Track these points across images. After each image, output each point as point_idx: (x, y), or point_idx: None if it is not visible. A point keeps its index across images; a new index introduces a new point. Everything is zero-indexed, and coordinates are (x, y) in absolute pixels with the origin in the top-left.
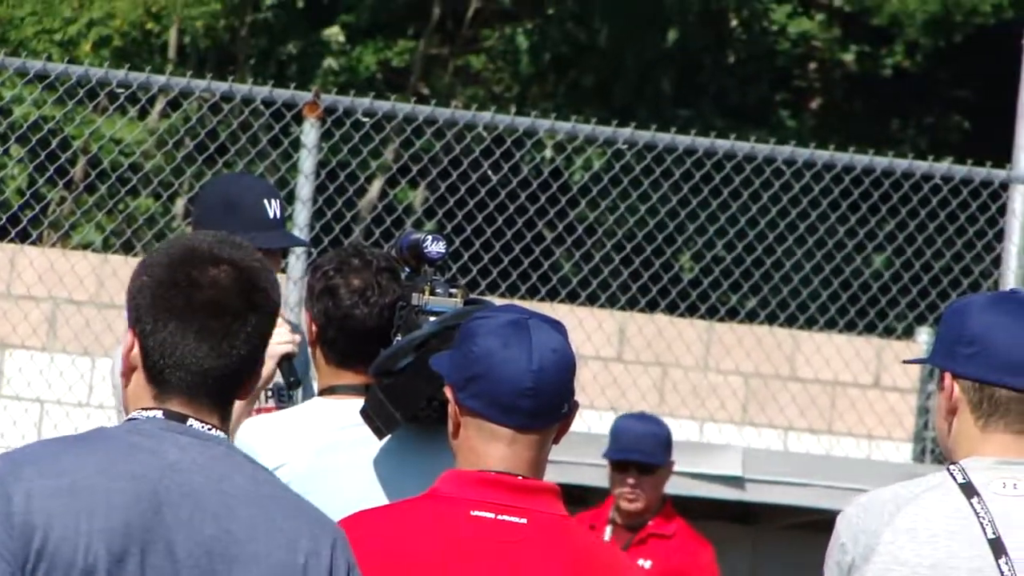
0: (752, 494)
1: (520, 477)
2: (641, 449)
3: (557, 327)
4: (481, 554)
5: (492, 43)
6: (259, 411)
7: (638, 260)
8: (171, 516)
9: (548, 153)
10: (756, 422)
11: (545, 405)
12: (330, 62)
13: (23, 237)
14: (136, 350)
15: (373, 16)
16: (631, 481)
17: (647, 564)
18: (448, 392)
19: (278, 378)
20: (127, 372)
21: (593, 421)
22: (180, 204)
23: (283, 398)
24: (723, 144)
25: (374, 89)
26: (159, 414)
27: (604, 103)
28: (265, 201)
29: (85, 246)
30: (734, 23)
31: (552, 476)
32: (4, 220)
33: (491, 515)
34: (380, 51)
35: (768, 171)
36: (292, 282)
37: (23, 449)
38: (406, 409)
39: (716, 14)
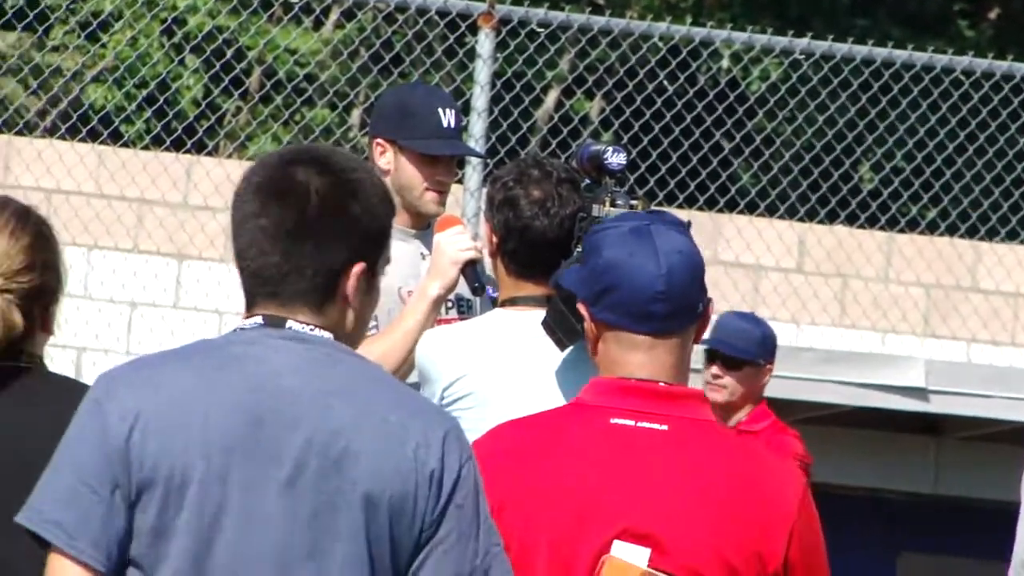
0: (935, 405)
1: (661, 384)
2: (730, 342)
3: (680, 228)
4: (621, 461)
5: None
6: (440, 322)
7: (817, 171)
8: (274, 422)
9: (725, 63)
10: (938, 334)
11: (678, 307)
12: None
13: (199, 148)
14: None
15: None
16: (714, 371)
17: None
18: (581, 308)
19: (462, 286)
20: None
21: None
22: (356, 115)
23: (463, 309)
24: (901, 54)
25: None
26: (259, 320)
27: (780, 13)
28: (440, 110)
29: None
30: None
31: None
32: (180, 131)
33: (631, 422)
34: None
35: (947, 81)
36: (468, 193)
37: (120, 367)
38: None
39: None
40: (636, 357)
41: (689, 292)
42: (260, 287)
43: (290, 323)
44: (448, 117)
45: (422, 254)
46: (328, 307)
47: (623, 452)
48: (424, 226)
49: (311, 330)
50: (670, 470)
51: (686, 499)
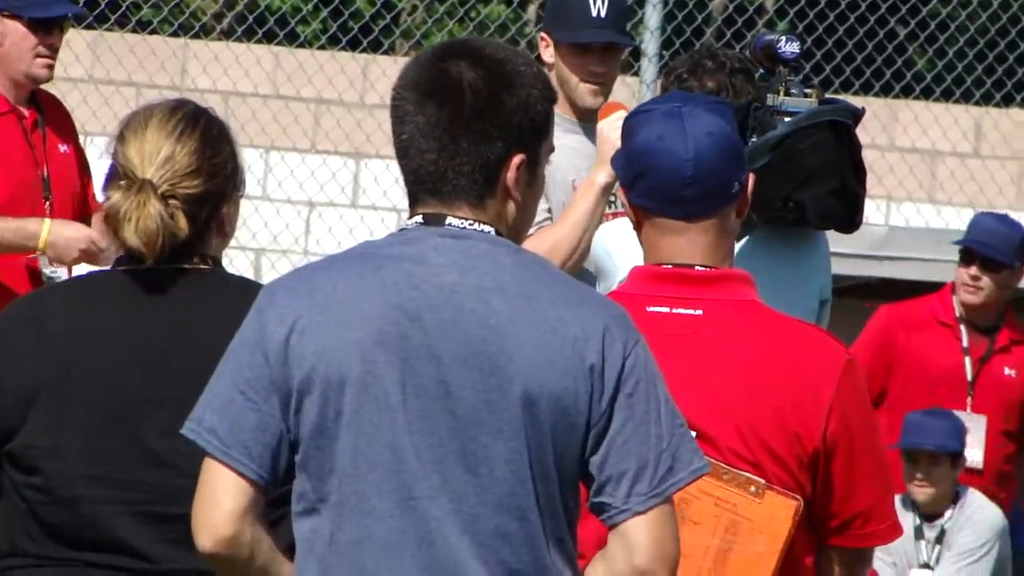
0: None
1: (697, 267)
2: (991, 244)
3: (716, 108)
4: (658, 349)
5: None
6: (608, 216)
7: (992, 54)
8: (431, 320)
9: None
10: None
11: (710, 190)
12: None
13: (375, 47)
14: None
15: None
16: (972, 272)
17: (1013, 373)
18: (620, 194)
19: None
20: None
21: (951, 217)
22: (531, 10)
23: None
24: None
25: None
26: (419, 219)
27: None
28: (591, 0)
29: None
30: None
31: (909, 272)
32: (356, 30)
33: (666, 309)
34: None
35: None
36: (645, 85)
37: (281, 277)
38: (762, 210)
39: None
40: (671, 241)
41: (721, 174)
42: (420, 185)
43: (450, 220)
44: (598, 6)
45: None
46: (489, 201)
47: (660, 340)
48: (593, 118)
49: (471, 225)
50: (706, 356)
51: (723, 384)
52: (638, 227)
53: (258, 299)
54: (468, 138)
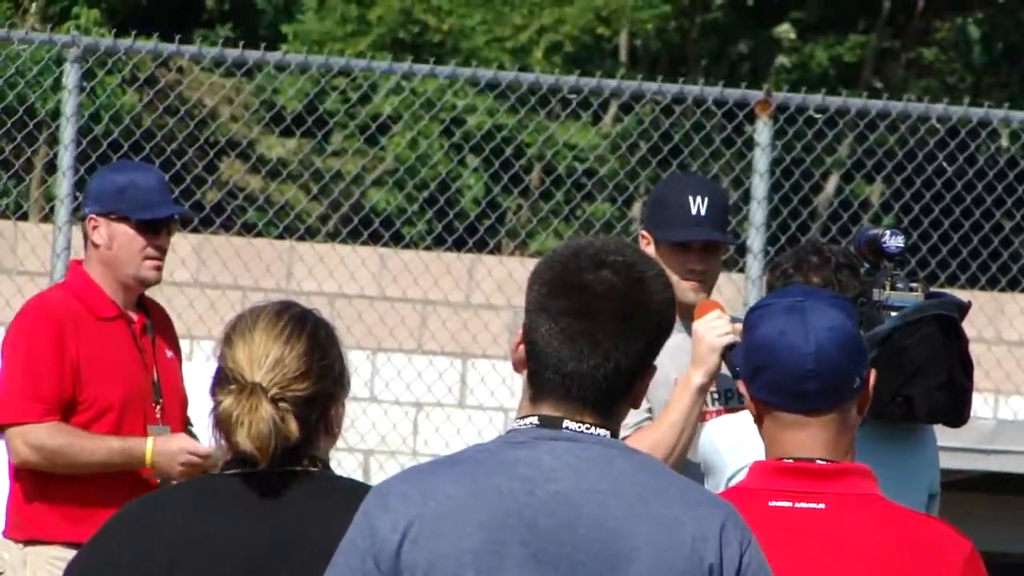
0: None
1: (819, 461)
2: None
3: (837, 303)
4: (780, 545)
5: (943, 34)
6: (707, 415)
7: None
8: (547, 525)
9: (1004, 142)
10: None
11: (831, 384)
12: (781, 59)
13: (481, 246)
14: (522, 348)
15: (823, 11)
16: None
17: None
18: (741, 386)
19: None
20: (518, 367)
21: None
22: (637, 208)
23: (731, 399)
24: None
25: (826, 85)
26: (535, 420)
27: None
28: (690, 197)
29: (542, 253)
30: None
31: (1018, 466)
32: (462, 230)
33: (789, 504)
34: (831, 47)
35: None
36: (750, 281)
37: (392, 478)
38: (871, 405)
39: None
40: (792, 436)
41: (842, 368)
42: (548, 388)
43: (567, 423)
44: (698, 204)
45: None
46: (615, 408)
47: (782, 535)
48: (691, 315)
49: (587, 429)
50: (829, 550)
51: None
52: (759, 420)
53: (368, 501)
54: (610, 346)
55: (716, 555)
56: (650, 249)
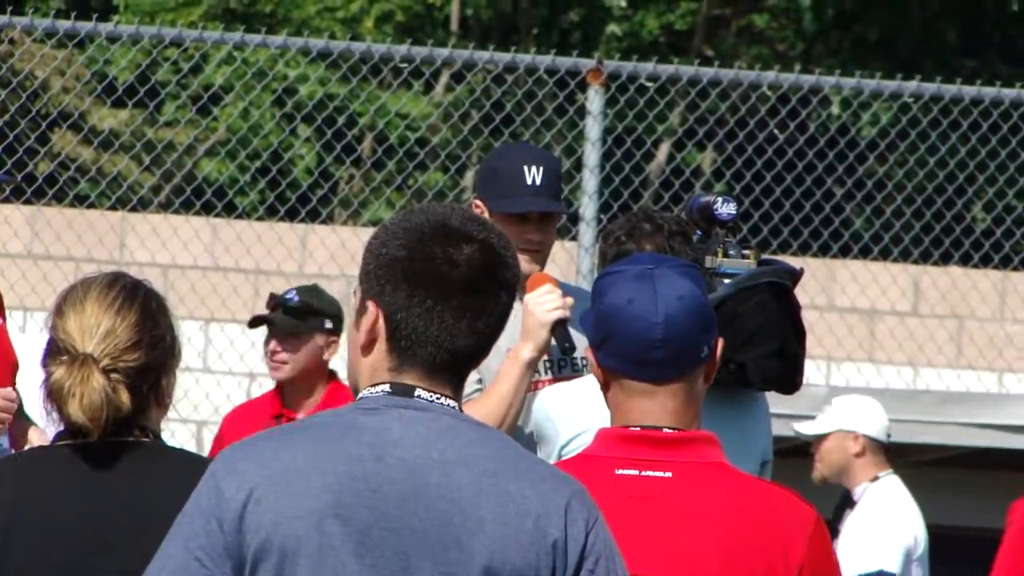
0: None
1: (665, 429)
2: None
3: (686, 271)
4: (627, 512)
5: (774, 1)
6: (538, 383)
7: (929, 213)
8: (392, 492)
9: (835, 110)
10: None
11: (679, 354)
12: (612, 28)
13: (313, 216)
14: (381, 323)
15: None
16: None
17: None
18: (588, 354)
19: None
20: (368, 346)
21: (891, 377)
22: (469, 177)
23: (560, 369)
24: (1009, 93)
25: (657, 53)
26: (387, 388)
27: (888, 57)
28: (526, 167)
29: (375, 223)
30: None
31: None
32: (294, 200)
33: (635, 472)
34: (662, 14)
35: None
36: (583, 249)
37: (239, 442)
38: None
39: None
40: (639, 403)
41: (690, 337)
42: (405, 356)
43: (419, 392)
44: (534, 174)
45: None
46: (467, 376)
47: (629, 503)
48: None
49: (438, 399)
50: (676, 518)
51: (692, 546)
52: (605, 388)
53: (214, 464)
54: (474, 319)
55: (561, 531)
56: (499, 227)
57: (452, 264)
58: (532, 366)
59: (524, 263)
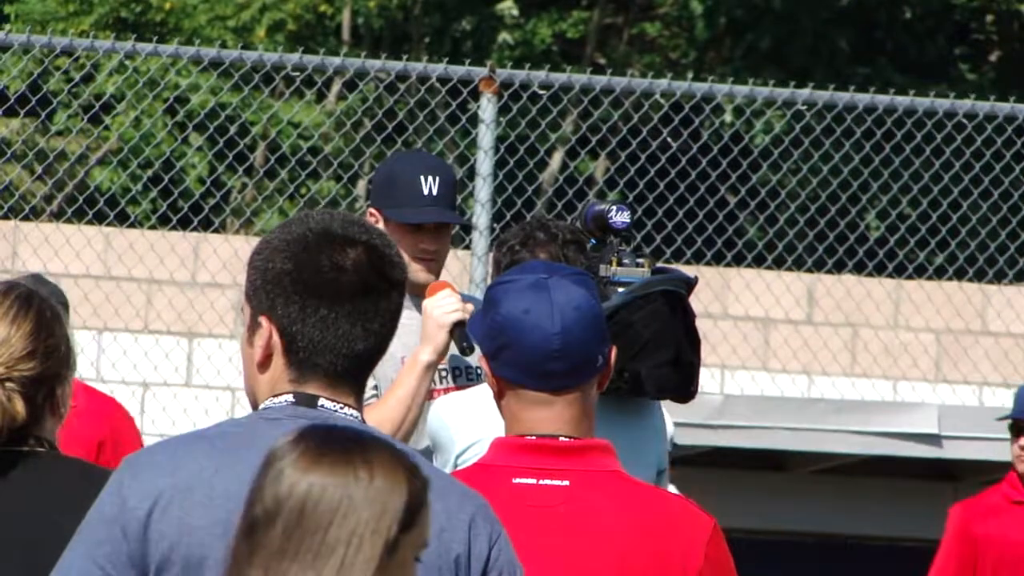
0: (949, 451)
1: (562, 438)
2: None
3: (581, 280)
4: (525, 521)
5: (666, 9)
6: (437, 392)
7: (823, 221)
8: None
9: (728, 118)
10: (950, 379)
11: (576, 363)
12: (504, 36)
13: (206, 225)
14: (276, 337)
15: None
16: (1022, 442)
17: None
18: (482, 362)
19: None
20: (264, 362)
21: (786, 385)
22: (361, 186)
23: (460, 376)
24: (903, 101)
25: (550, 61)
26: (290, 398)
27: (781, 65)
28: (422, 177)
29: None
30: None
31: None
32: (186, 209)
33: (533, 480)
34: (554, 23)
35: (949, 126)
36: (476, 258)
37: (142, 451)
38: None
39: None
40: (536, 413)
41: (587, 348)
42: (305, 366)
43: (322, 402)
44: (430, 184)
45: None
46: (366, 380)
47: (527, 511)
48: (422, 293)
49: (342, 408)
50: (575, 527)
51: (593, 555)
52: (499, 397)
53: (118, 472)
54: (369, 322)
55: (464, 546)
56: (378, 227)
57: (340, 270)
58: (431, 368)
59: (419, 272)
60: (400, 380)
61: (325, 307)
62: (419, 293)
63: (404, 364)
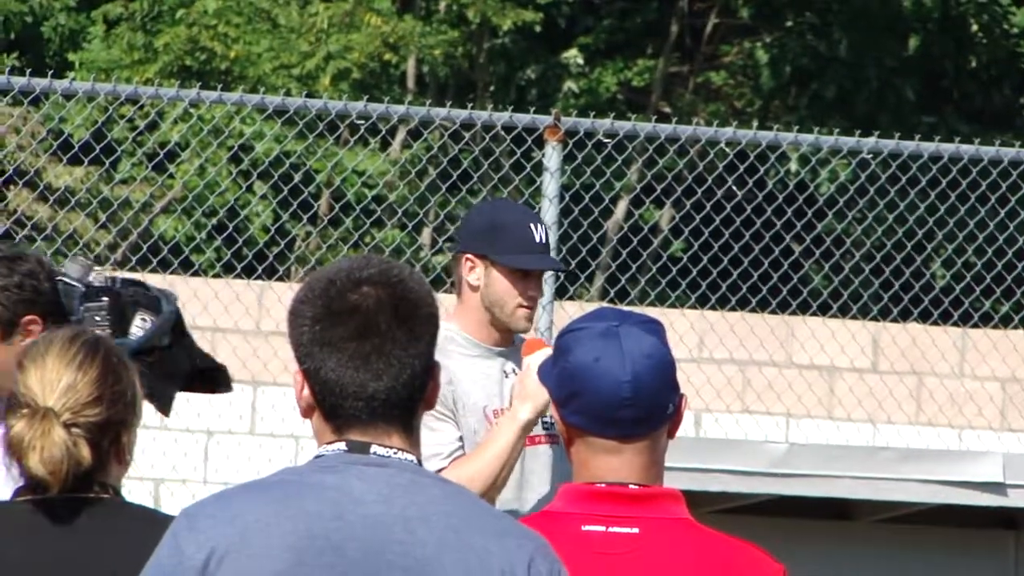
0: (1014, 499)
1: (631, 486)
2: None
3: (651, 328)
4: (593, 569)
5: (732, 58)
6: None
7: (888, 269)
8: (354, 550)
9: (793, 166)
10: (1015, 427)
11: (646, 411)
12: (570, 84)
13: (270, 273)
14: (307, 391)
15: (611, 37)
16: None
17: None
18: (552, 409)
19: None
20: (307, 412)
21: (851, 433)
22: (426, 234)
23: (550, 428)
24: (968, 149)
25: (615, 110)
26: (342, 446)
27: (846, 114)
28: (531, 226)
29: None
30: (974, 27)
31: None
32: (250, 257)
33: (602, 528)
34: (620, 71)
35: (1015, 174)
36: (541, 307)
37: (201, 500)
38: None
39: (956, 19)
40: (605, 461)
41: (657, 395)
42: (347, 414)
43: (375, 448)
44: (539, 232)
45: (505, 372)
46: (417, 417)
47: (596, 559)
48: (510, 343)
49: (395, 453)
50: (643, 573)
51: None
52: (569, 444)
53: (176, 523)
54: (400, 355)
55: None
56: (475, 274)
57: (339, 315)
58: (529, 428)
59: (522, 320)
60: (496, 435)
61: (334, 355)
62: (504, 343)
63: (502, 419)
